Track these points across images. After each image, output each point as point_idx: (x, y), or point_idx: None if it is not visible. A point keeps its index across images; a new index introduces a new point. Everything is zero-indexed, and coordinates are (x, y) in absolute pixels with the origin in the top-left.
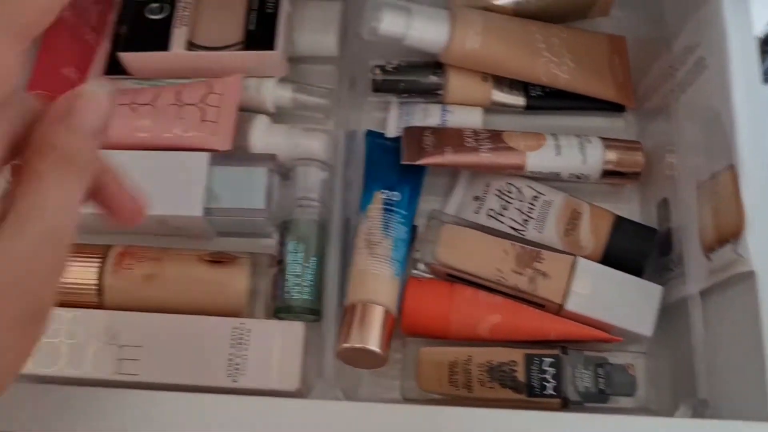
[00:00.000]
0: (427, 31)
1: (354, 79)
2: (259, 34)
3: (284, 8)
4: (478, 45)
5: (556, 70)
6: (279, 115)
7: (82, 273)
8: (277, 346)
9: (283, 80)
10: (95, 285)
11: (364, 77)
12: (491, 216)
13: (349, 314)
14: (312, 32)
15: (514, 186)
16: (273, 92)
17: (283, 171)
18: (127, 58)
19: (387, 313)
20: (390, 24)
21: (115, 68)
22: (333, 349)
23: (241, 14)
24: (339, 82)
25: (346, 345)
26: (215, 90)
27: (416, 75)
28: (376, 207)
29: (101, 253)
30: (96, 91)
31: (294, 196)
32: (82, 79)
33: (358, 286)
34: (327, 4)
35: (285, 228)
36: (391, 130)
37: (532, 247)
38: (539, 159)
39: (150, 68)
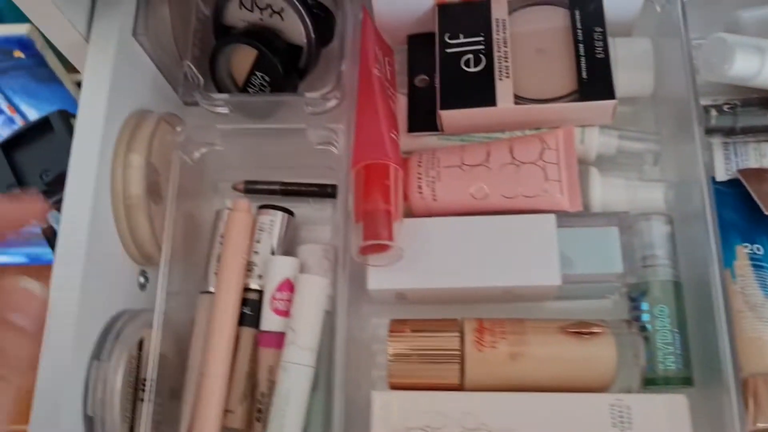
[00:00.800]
0: None
1: (688, 120)
2: (594, 82)
3: (613, 52)
4: None
5: None
6: (597, 164)
7: (443, 347)
8: (663, 423)
9: (605, 127)
10: (457, 363)
11: (681, 117)
12: None
13: (756, 389)
14: (627, 72)
15: None
16: (599, 141)
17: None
18: (448, 115)
19: None
20: (743, 65)
21: (418, 124)
22: (737, 426)
23: (570, 61)
24: (658, 123)
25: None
26: (550, 145)
27: (755, 114)
28: (743, 264)
29: (456, 328)
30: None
31: (638, 255)
32: (398, 139)
33: (757, 356)
34: (637, 41)
35: (637, 290)
36: (721, 173)
37: None
38: None
39: (469, 124)
